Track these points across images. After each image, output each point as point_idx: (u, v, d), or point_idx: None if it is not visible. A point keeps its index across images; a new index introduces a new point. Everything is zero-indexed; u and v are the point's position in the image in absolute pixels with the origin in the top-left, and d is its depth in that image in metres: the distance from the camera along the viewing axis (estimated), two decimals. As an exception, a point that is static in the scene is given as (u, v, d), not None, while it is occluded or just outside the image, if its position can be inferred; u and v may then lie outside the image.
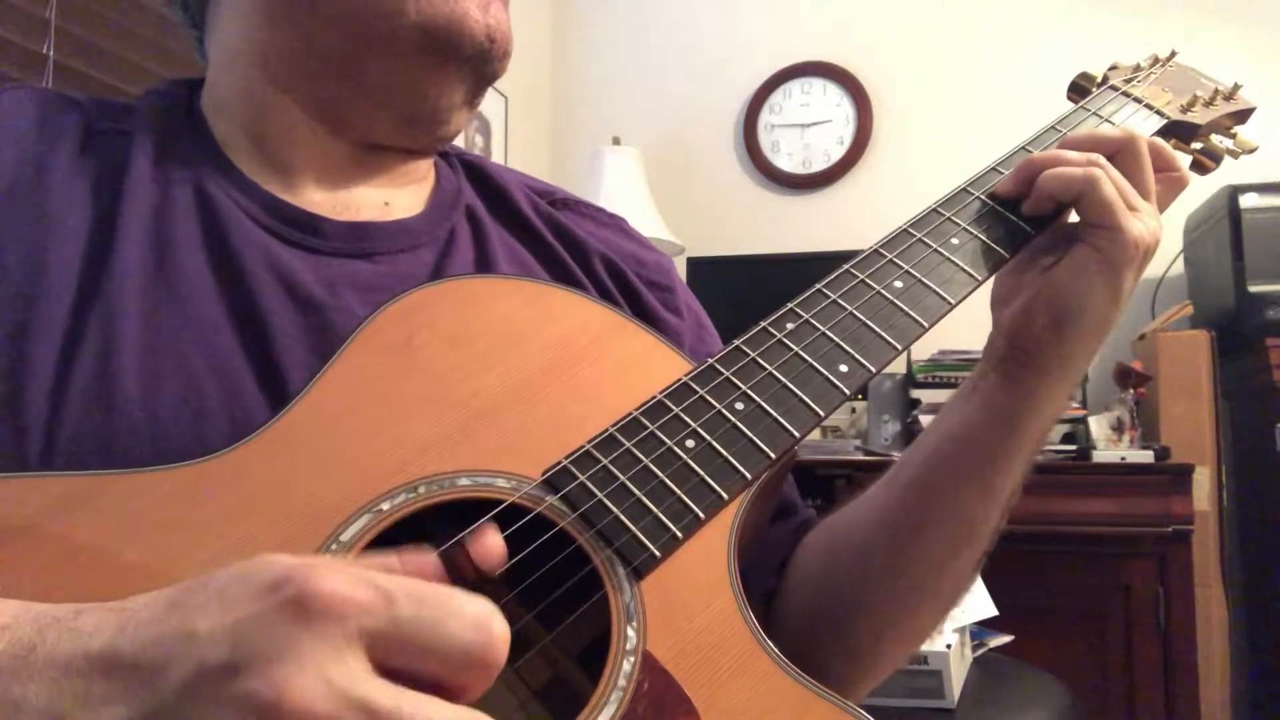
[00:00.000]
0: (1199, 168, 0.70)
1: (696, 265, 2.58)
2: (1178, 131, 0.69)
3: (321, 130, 0.61)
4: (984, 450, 0.57)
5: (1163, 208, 0.60)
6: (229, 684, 0.30)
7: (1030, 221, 0.59)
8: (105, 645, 0.32)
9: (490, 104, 2.58)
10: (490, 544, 0.40)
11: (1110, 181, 0.55)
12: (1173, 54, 0.74)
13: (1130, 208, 0.55)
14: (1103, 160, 0.56)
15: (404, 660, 0.32)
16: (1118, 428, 2.11)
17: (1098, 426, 2.11)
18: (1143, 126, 0.66)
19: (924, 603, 0.60)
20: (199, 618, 0.32)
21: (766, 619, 0.62)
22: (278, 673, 0.30)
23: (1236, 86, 0.71)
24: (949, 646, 1.36)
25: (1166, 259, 2.37)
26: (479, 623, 0.32)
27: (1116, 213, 0.54)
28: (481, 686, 0.33)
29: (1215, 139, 0.70)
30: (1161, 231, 0.57)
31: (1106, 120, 0.65)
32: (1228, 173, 1.64)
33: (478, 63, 0.60)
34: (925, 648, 1.35)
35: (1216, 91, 0.70)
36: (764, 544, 0.60)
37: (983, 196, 0.60)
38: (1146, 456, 1.98)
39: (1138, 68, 0.72)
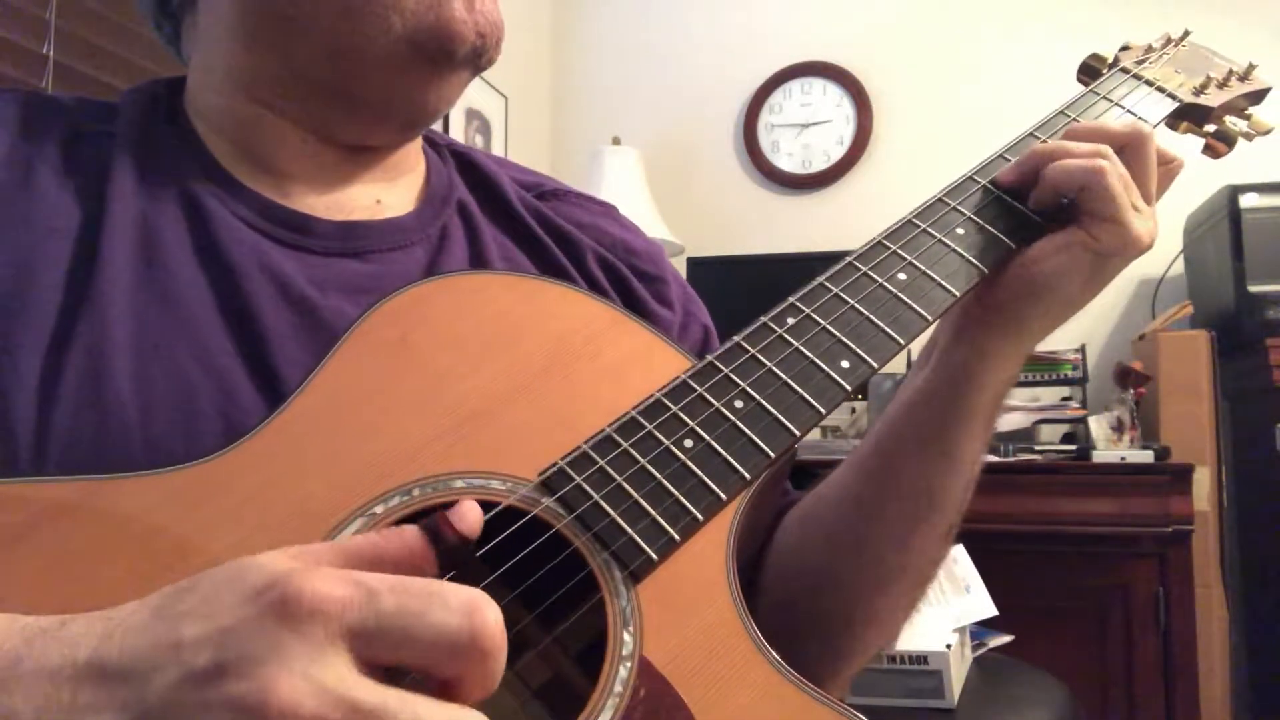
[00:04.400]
0: (1212, 151, 0.69)
1: (696, 265, 2.58)
2: (1191, 114, 0.67)
3: (312, 139, 0.61)
4: (940, 412, 0.57)
5: (1159, 195, 0.59)
6: (215, 688, 0.30)
7: (1039, 212, 0.57)
8: (92, 654, 0.32)
9: (490, 104, 2.58)
10: (467, 507, 0.38)
11: (1116, 174, 0.54)
12: (1186, 34, 0.71)
13: (1133, 205, 0.54)
14: (1109, 152, 0.55)
15: (391, 653, 0.32)
16: (1118, 428, 2.11)
17: (1098, 426, 2.10)
18: (1155, 110, 0.64)
19: (891, 578, 0.60)
20: (185, 625, 0.32)
21: (750, 604, 0.63)
22: (263, 674, 0.30)
23: (1251, 66, 0.69)
24: (949, 646, 1.36)
25: (1166, 259, 2.37)
26: (465, 608, 0.32)
27: (1121, 207, 0.54)
28: (482, 676, 0.33)
29: (1230, 121, 0.68)
30: (1157, 232, 0.56)
31: (1117, 104, 0.64)
32: (1228, 172, 1.63)
33: (472, 58, 0.59)
34: (925, 647, 1.35)
35: (1231, 72, 0.68)
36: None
37: (988, 185, 0.59)
38: (1146, 456, 1.98)
39: (1150, 48, 0.70)
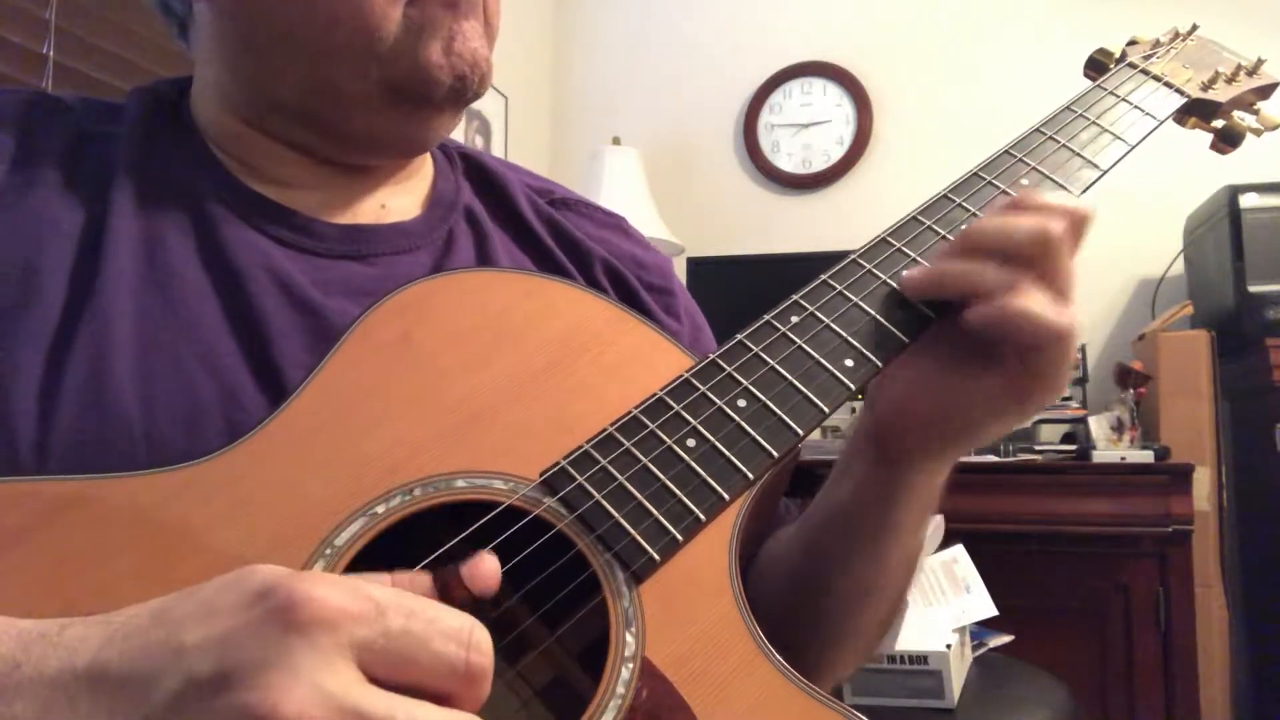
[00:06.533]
0: (1219, 148, 0.68)
1: (696, 265, 2.57)
2: (1198, 110, 0.67)
3: (306, 160, 0.61)
4: (866, 527, 0.56)
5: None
6: (220, 696, 0.29)
7: None
8: (92, 660, 0.32)
9: (490, 104, 2.58)
10: (486, 569, 0.39)
11: (1040, 300, 0.47)
12: (1194, 28, 0.71)
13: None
14: (1025, 275, 0.48)
15: (390, 672, 0.32)
16: (1118, 428, 2.11)
17: (1098, 426, 2.10)
18: (1162, 105, 0.64)
19: (843, 637, 0.60)
20: (186, 629, 0.31)
21: None
22: (269, 681, 0.29)
23: (1260, 61, 0.68)
24: (949, 646, 1.36)
25: (1166, 259, 2.37)
26: (460, 638, 0.33)
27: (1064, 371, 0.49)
28: (471, 699, 0.33)
29: (1237, 116, 0.68)
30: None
31: (1124, 100, 0.63)
32: (1228, 172, 1.63)
33: (453, 98, 0.58)
34: (925, 647, 1.35)
35: (1239, 66, 0.68)
36: None
37: (992, 181, 0.58)
38: (1146, 456, 1.97)
39: (1157, 43, 0.70)
